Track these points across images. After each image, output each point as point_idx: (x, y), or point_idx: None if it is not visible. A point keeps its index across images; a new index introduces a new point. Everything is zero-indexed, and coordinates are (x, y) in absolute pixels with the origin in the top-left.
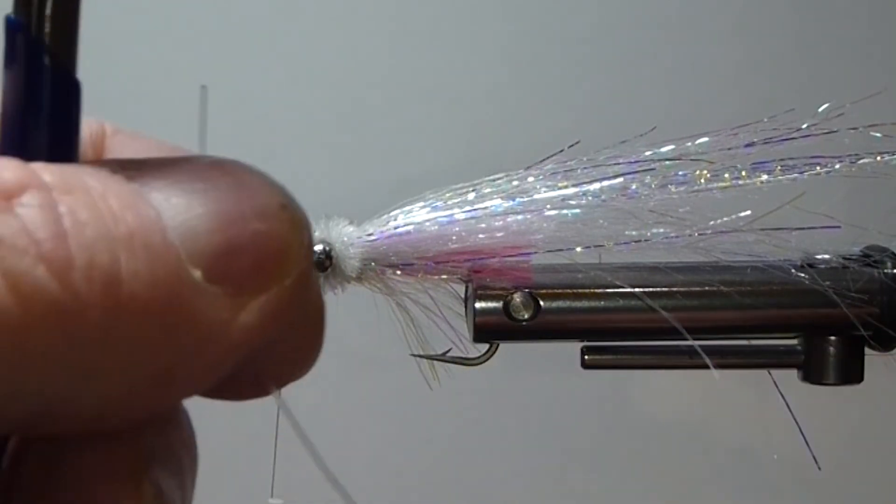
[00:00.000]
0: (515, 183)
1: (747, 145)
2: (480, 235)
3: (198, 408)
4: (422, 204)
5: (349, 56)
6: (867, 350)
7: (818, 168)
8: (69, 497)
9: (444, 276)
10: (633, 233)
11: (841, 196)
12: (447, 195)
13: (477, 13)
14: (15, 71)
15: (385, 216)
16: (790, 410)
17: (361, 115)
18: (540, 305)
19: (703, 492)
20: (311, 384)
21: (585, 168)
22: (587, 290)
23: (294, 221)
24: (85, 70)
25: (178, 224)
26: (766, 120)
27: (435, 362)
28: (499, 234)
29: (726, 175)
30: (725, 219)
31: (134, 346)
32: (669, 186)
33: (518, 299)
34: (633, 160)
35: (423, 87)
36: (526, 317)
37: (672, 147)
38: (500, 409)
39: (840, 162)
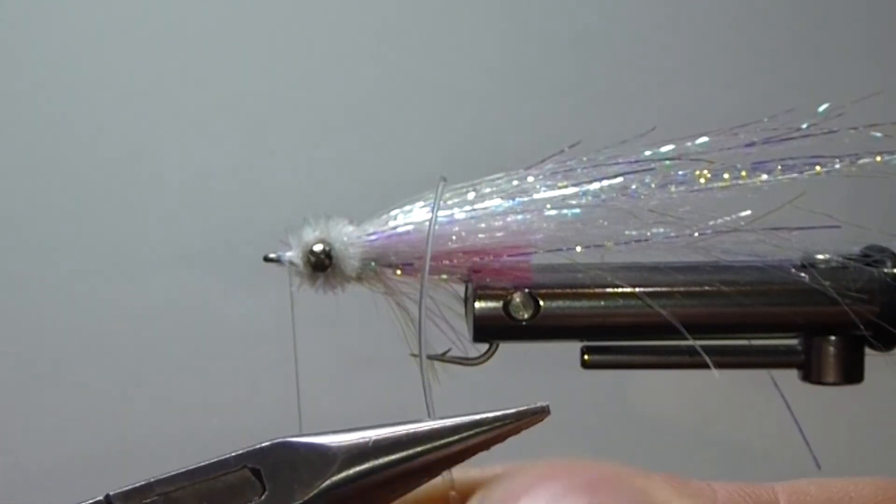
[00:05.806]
0: (515, 183)
1: (747, 145)
2: (480, 235)
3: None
4: (422, 204)
5: (349, 55)
6: (867, 350)
7: (818, 168)
8: None
9: (444, 276)
10: (633, 233)
11: (841, 196)
12: (447, 195)
13: (477, 13)
14: None
15: (385, 216)
16: (790, 410)
17: (361, 115)
18: (540, 305)
19: None
20: (312, 384)
21: (585, 168)
22: (587, 290)
23: None
24: (84, 70)
25: None
26: (766, 120)
27: (435, 362)
28: (499, 234)
29: (726, 175)
30: (725, 219)
31: None
32: (669, 186)
33: (518, 299)
34: (633, 160)
35: (424, 87)
36: (526, 317)
37: (672, 147)
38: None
39: (840, 162)
